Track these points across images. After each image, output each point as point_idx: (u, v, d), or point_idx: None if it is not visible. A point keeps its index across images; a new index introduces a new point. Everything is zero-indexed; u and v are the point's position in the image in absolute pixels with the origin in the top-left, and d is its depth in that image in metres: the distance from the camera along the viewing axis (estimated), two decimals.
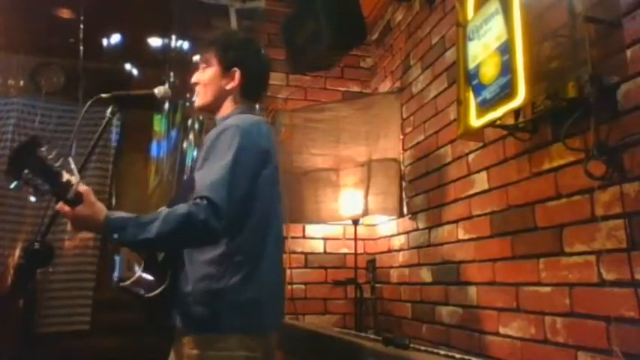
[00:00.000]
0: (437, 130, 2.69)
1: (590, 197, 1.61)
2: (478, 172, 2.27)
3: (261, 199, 1.38)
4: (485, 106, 1.81)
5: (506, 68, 1.68)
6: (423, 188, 2.82)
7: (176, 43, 3.31)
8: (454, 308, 2.41)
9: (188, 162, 3.10)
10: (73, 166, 1.22)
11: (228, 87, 1.50)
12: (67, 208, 1.21)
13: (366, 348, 1.69)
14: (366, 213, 3.12)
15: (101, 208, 1.23)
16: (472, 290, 2.26)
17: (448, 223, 2.52)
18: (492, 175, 2.17)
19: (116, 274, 1.53)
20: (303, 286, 3.25)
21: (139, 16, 3.23)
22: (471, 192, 2.32)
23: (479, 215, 2.25)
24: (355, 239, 3.09)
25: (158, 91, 1.47)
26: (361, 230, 3.25)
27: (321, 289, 3.27)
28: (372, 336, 2.11)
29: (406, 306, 2.93)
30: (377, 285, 3.12)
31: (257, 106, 1.68)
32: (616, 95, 1.52)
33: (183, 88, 3.06)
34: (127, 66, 3.52)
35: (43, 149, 1.17)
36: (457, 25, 2.08)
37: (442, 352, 1.64)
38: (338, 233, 3.37)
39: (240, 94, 1.52)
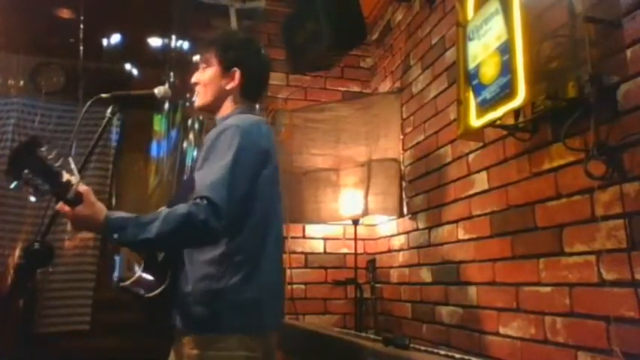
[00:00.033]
0: (437, 130, 2.69)
1: (590, 197, 1.61)
2: (478, 172, 2.27)
3: (261, 199, 1.38)
4: (485, 106, 1.81)
5: (506, 68, 1.67)
6: (423, 188, 2.82)
7: (176, 43, 3.31)
8: (454, 308, 2.41)
9: (188, 162, 3.10)
10: (73, 166, 1.22)
11: (228, 87, 1.50)
12: (67, 208, 1.21)
13: (366, 348, 1.69)
14: (366, 213, 3.12)
15: (101, 208, 1.23)
16: (472, 290, 2.26)
17: (448, 223, 2.52)
18: (492, 175, 2.17)
19: (116, 274, 1.52)
20: (303, 286, 3.25)
21: (139, 16, 3.23)
22: (471, 192, 2.32)
23: (479, 215, 2.25)
24: (355, 239, 3.09)
25: (158, 91, 1.47)
26: (361, 230, 3.25)
27: (321, 289, 3.27)
28: (372, 336, 2.12)
29: (406, 306, 2.93)
30: (377, 285, 3.12)
31: (257, 106, 1.68)
32: (616, 95, 1.52)
33: (183, 88, 3.06)
34: (127, 66, 3.52)
35: (43, 149, 1.16)
36: (457, 25, 2.08)
37: (442, 352, 1.63)
38: (338, 233, 3.37)
39: (240, 94, 1.52)
